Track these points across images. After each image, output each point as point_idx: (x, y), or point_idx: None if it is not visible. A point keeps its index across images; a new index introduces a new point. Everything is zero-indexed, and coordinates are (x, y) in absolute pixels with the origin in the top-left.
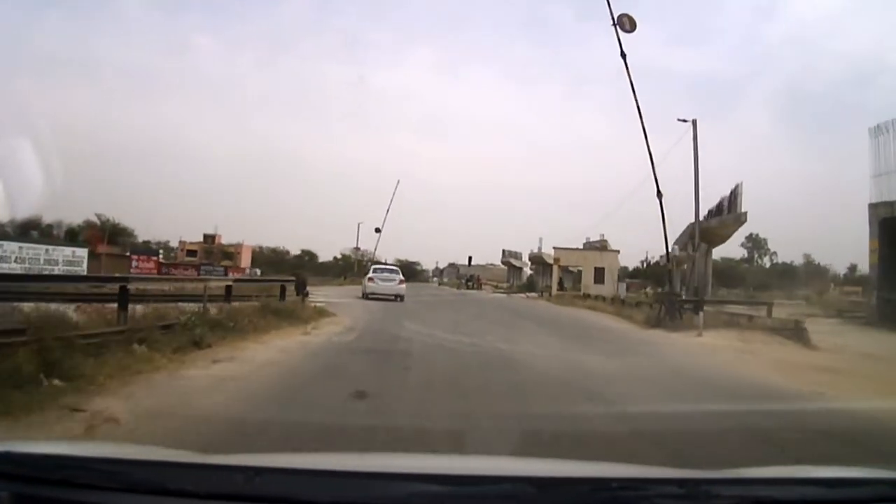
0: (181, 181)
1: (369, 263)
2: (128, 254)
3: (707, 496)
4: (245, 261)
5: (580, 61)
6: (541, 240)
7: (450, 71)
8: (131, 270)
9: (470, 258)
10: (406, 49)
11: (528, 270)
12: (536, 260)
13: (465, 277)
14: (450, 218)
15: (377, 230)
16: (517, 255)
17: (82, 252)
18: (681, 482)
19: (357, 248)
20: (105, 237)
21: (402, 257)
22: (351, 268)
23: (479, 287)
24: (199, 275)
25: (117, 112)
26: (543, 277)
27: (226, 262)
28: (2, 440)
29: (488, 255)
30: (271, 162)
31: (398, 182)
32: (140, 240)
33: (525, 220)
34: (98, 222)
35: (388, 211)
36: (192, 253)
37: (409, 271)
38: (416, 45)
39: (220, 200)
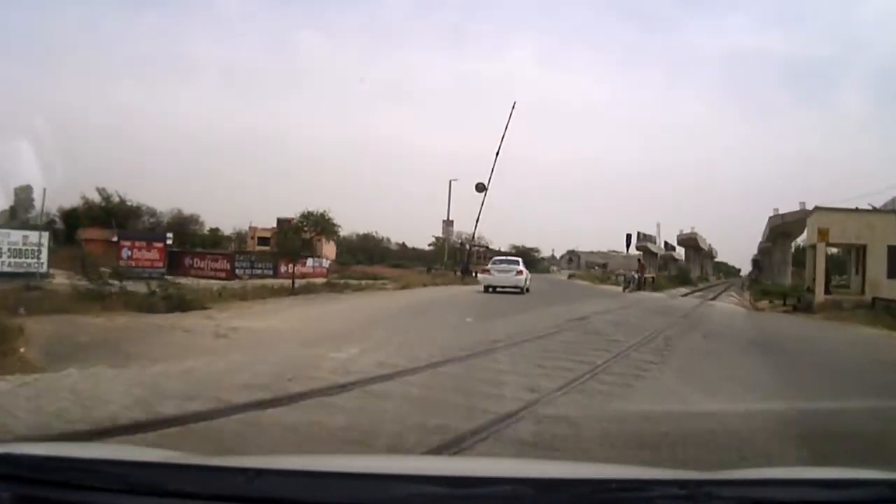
0: (277, 169)
1: (468, 247)
2: (115, 239)
3: (707, 497)
4: (328, 250)
5: (679, 46)
6: (658, 225)
7: (551, 59)
8: (121, 262)
9: (629, 237)
10: (508, 39)
11: (676, 256)
12: (688, 242)
13: (634, 271)
14: (555, 205)
15: (480, 188)
16: (651, 239)
17: (36, 237)
18: (681, 483)
19: (448, 224)
20: (109, 219)
21: (518, 242)
22: (440, 256)
23: (643, 280)
24: (229, 270)
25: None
26: (694, 265)
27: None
28: (2, 442)
29: (602, 241)
30: (379, 151)
31: (514, 104)
32: (207, 227)
33: (636, 204)
34: (101, 199)
35: (501, 139)
36: (264, 241)
37: (528, 259)
38: (518, 35)
39: (313, 188)
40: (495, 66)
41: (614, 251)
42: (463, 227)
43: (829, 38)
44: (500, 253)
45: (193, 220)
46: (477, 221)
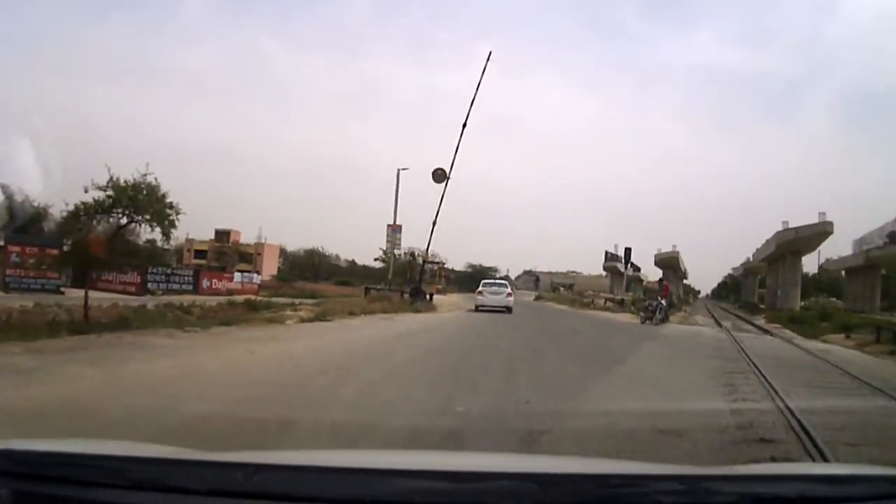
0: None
1: (422, 262)
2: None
3: (707, 493)
4: (267, 265)
5: (644, 62)
6: (616, 246)
7: (511, 74)
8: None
9: (628, 251)
10: (468, 52)
11: (641, 277)
12: (668, 263)
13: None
14: (510, 224)
15: (439, 177)
16: (618, 259)
17: None
18: (681, 479)
19: (395, 229)
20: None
21: (474, 261)
22: (383, 276)
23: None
24: (140, 284)
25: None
26: (673, 287)
27: (242, 266)
28: (3, 438)
29: (560, 262)
30: (335, 163)
31: (489, 54)
32: (144, 238)
33: (596, 225)
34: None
35: (471, 104)
36: (201, 254)
37: (485, 278)
38: (478, 48)
39: (266, 201)
40: (457, 80)
41: (573, 271)
42: (416, 242)
43: (798, 57)
44: (454, 272)
45: (129, 230)
46: (435, 221)
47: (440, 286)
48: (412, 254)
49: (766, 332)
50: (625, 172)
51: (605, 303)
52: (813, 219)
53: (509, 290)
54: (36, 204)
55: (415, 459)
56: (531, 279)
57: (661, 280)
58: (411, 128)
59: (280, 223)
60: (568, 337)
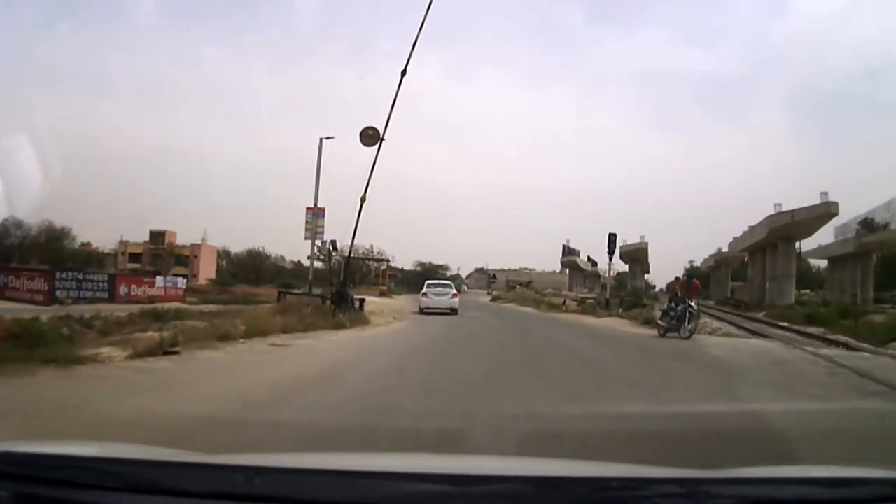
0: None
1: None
2: None
3: (707, 496)
4: (206, 267)
5: (591, 64)
6: (569, 241)
7: (458, 76)
8: None
9: (612, 237)
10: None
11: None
12: (635, 255)
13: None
14: (462, 222)
15: (370, 139)
16: (575, 253)
17: None
18: (681, 482)
19: (314, 215)
20: None
21: (424, 259)
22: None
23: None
24: (47, 292)
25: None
26: (639, 282)
27: (178, 270)
28: (2, 439)
29: (513, 260)
30: (277, 163)
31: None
32: (79, 241)
33: (544, 224)
34: None
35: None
36: (135, 257)
37: (435, 277)
38: (424, 51)
39: (211, 203)
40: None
41: (527, 268)
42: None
43: (743, 57)
44: (402, 271)
45: (65, 234)
46: (364, 197)
47: (384, 287)
48: (332, 243)
49: (826, 341)
50: (575, 169)
51: (579, 304)
52: (765, 211)
53: (454, 290)
54: None
55: (415, 462)
56: (484, 277)
57: (687, 277)
58: (354, 130)
59: (227, 226)
60: (578, 371)
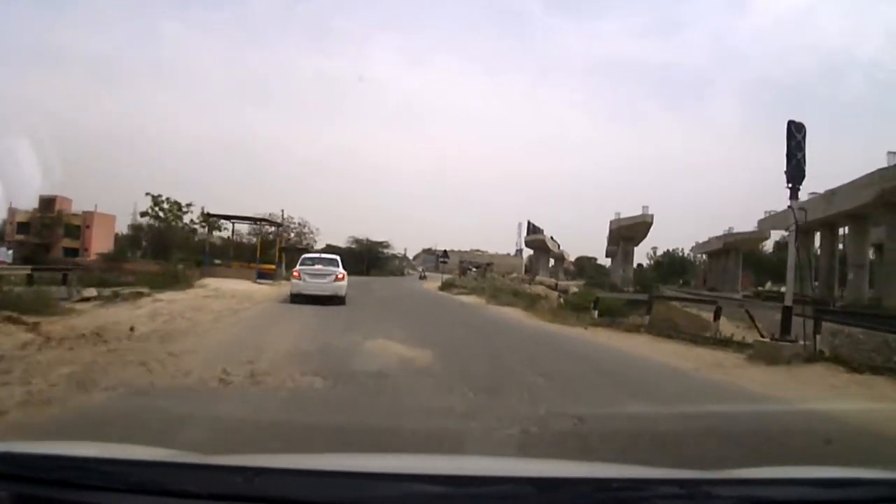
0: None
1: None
2: None
3: (707, 496)
4: (100, 239)
5: (546, 52)
6: (521, 224)
7: (415, 61)
8: None
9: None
10: (372, 39)
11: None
12: (630, 233)
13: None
14: (414, 205)
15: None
16: (540, 231)
17: None
18: (681, 483)
19: None
20: None
21: (361, 235)
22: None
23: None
24: None
25: None
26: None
27: (68, 243)
28: (2, 440)
29: (468, 240)
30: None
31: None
32: None
33: (498, 210)
34: None
35: None
36: (23, 227)
37: (375, 256)
38: (382, 35)
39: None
40: (355, 68)
41: (479, 250)
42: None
43: (700, 49)
44: (333, 248)
45: None
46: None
47: (271, 266)
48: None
49: None
50: (528, 151)
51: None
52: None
53: (340, 270)
54: None
55: (415, 463)
56: (433, 258)
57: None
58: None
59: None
60: None
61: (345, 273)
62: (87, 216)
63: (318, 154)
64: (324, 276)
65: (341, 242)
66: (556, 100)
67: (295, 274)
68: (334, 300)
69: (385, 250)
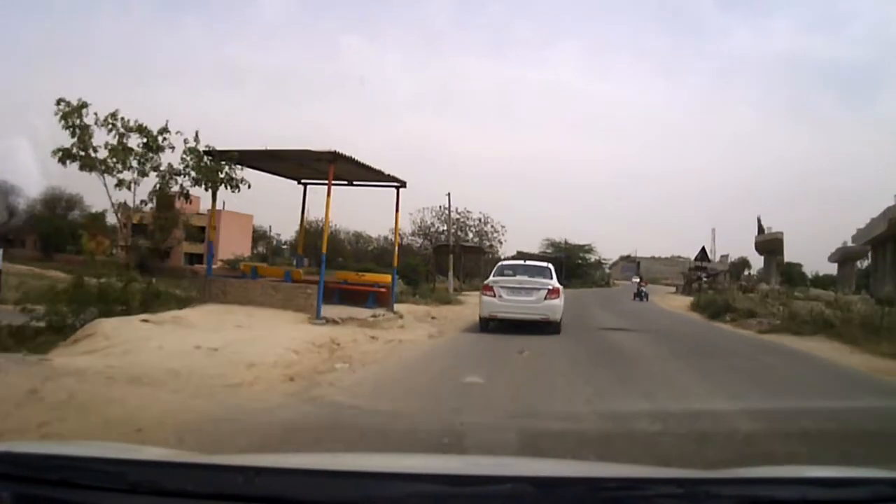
0: None
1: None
2: None
3: (706, 496)
4: (231, 243)
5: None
6: (714, 229)
7: (594, 65)
8: None
9: None
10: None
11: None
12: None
13: None
14: (602, 209)
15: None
16: (773, 232)
17: None
18: (680, 482)
19: None
20: None
21: (558, 238)
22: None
23: None
24: None
25: None
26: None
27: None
28: (2, 441)
29: (663, 247)
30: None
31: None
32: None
33: (685, 214)
34: None
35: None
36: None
37: (573, 263)
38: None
39: None
40: (539, 73)
41: (679, 256)
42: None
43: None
44: (527, 255)
45: None
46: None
47: (383, 279)
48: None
49: None
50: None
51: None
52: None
53: (554, 282)
54: None
55: (415, 463)
56: (632, 267)
57: None
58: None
59: None
60: None
61: (560, 287)
62: (217, 215)
63: (502, 157)
64: (530, 290)
65: (533, 247)
66: (736, 100)
67: (486, 289)
68: (545, 326)
69: (587, 255)
